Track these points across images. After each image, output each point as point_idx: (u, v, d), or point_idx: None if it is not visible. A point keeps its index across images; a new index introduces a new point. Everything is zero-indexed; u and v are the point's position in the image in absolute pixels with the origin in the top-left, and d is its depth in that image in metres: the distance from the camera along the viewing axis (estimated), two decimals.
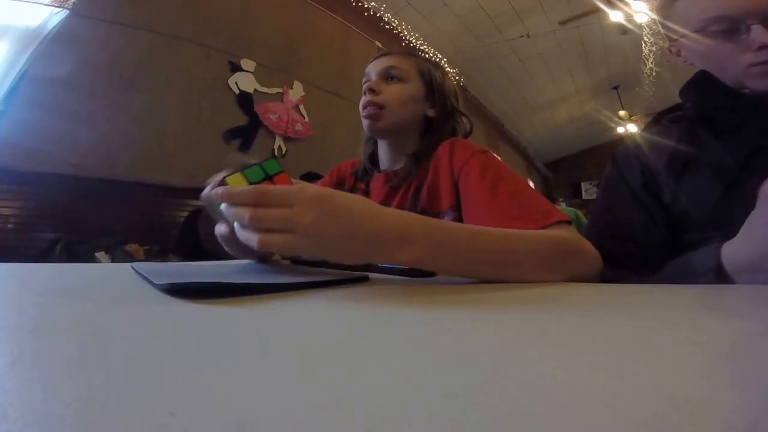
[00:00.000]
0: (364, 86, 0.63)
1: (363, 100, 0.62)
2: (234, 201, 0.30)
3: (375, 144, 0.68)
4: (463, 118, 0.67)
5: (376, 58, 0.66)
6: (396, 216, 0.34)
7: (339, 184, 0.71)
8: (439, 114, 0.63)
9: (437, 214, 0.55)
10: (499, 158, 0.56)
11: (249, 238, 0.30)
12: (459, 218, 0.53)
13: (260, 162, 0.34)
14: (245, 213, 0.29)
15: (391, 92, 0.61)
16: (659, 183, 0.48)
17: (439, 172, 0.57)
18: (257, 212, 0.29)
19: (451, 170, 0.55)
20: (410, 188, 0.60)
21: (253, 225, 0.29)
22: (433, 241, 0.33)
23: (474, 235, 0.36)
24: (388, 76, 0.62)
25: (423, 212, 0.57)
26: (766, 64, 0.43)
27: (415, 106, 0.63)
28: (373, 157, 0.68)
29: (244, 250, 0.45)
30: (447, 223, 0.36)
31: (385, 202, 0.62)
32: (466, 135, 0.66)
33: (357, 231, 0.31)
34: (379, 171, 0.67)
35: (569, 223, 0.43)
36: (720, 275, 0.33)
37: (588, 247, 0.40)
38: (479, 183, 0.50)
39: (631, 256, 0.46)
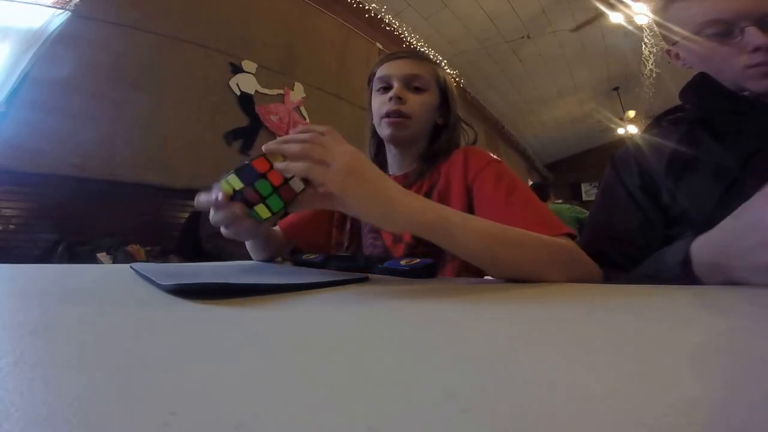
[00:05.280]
0: (385, 94, 0.61)
1: (386, 107, 0.60)
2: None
3: (380, 146, 0.68)
4: (465, 126, 0.67)
5: (392, 58, 0.63)
6: (414, 193, 0.38)
7: None
8: (447, 121, 0.64)
9: None
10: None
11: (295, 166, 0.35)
12: None
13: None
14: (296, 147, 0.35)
15: (417, 102, 0.61)
16: (657, 185, 0.48)
17: (451, 178, 0.58)
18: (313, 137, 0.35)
19: (465, 177, 0.56)
20: (420, 192, 0.60)
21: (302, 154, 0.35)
22: (451, 214, 0.37)
23: (492, 223, 0.39)
24: (411, 84, 0.61)
25: None
26: (762, 65, 0.43)
27: (432, 115, 0.63)
28: (379, 159, 0.69)
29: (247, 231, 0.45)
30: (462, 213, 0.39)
31: None
32: (473, 144, 0.67)
33: (382, 181, 0.36)
34: (388, 174, 0.67)
35: (574, 237, 0.46)
36: (686, 270, 0.34)
37: (588, 259, 0.42)
38: (495, 189, 0.52)
39: (626, 257, 0.46)
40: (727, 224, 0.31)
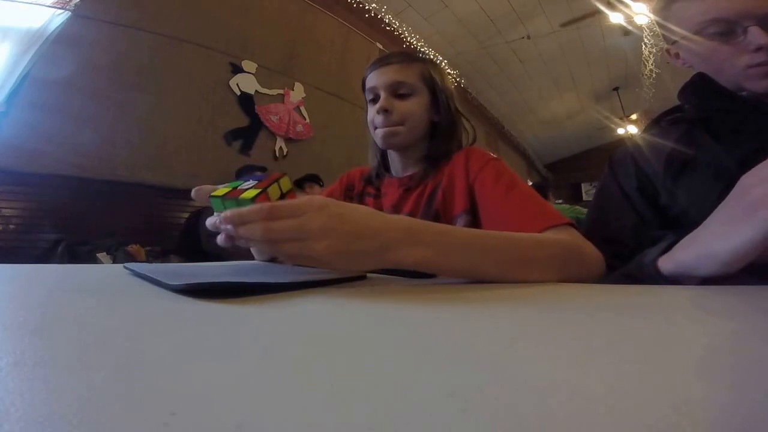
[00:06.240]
0: (375, 105, 0.61)
1: (376, 119, 0.61)
2: (244, 221, 0.31)
3: (383, 150, 0.69)
4: (465, 122, 0.67)
5: (378, 66, 0.63)
6: (399, 219, 0.35)
7: (348, 190, 0.71)
8: (443, 118, 0.64)
9: (451, 218, 0.57)
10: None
11: (262, 251, 0.31)
12: (471, 221, 0.55)
13: (277, 179, 0.36)
14: (257, 228, 0.30)
15: (405, 109, 0.61)
16: (655, 185, 0.48)
17: (454, 178, 0.59)
18: (268, 225, 0.30)
19: (467, 175, 0.57)
20: (424, 192, 0.61)
21: (265, 238, 0.31)
22: (437, 241, 0.34)
23: (478, 237, 0.37)
24: (397, 92, 0.61)
25: (437, 214, 0.58)
26: (763, 65, 0.43)
27: (425, 116, 0.63)
28: (383, 162, 0.69)
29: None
30: (450, 226, 0.37)
31: (399, 204, 0.63)
32: (472, 142, 0.67)
33: (365, 231, 0.32)
34: (391, 176, 0.68)
35: (574, 226, 0.45)
36: (656, 268, 0.34)
37: (591, 249, 0.42)
38: (495, 185, 0.53)
39: (619, 257, 0.46)
40: (701, 226, 0.32)
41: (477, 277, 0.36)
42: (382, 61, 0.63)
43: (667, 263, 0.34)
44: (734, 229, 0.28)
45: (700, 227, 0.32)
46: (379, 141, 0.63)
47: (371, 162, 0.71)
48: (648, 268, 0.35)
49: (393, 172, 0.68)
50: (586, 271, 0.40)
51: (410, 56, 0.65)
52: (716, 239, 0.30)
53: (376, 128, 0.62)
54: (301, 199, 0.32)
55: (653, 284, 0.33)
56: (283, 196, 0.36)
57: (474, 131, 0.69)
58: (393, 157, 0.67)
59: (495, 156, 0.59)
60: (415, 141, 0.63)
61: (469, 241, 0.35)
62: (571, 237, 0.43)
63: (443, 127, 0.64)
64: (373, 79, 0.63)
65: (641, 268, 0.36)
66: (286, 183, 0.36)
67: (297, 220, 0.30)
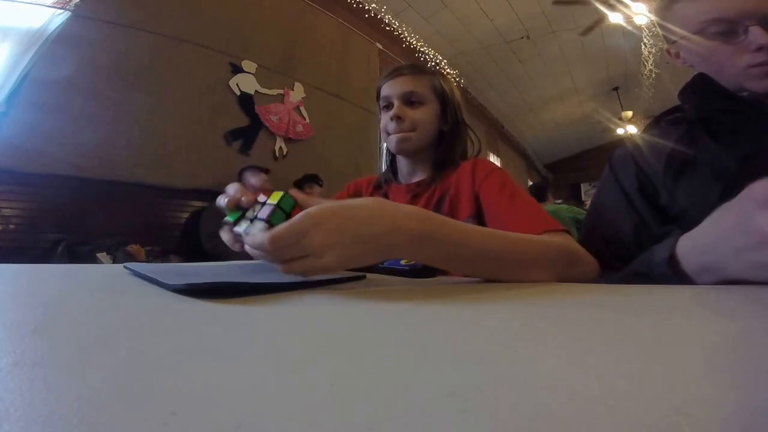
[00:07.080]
0: (388, 112, 0.66)
1: (389, 126, 0.66)
2: (254, 248, 0.33)
3: (393, 156, 0.73)
4: (471, 134, 0.72)
5: (392, 77, 0.68)
6: (406, 220, 0.33)
7: (357, 196, 0.74)
8: (451, 127, 0.68)
9: None
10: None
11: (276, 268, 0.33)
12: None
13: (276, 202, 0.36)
14: (266, 256, 0.32)
15: (416, 117, 0.66)
16: (655, 186, 0.48)
17: (460, 186, 0.63)
18: (274, 252, 0.32)
19: (473, 183, 0.61)
20: (432, 199, 0.65)
21: (275, 262, 0.32)
22: (449, 240, 0.35)
23: (487, 237, 0.38)
24: (409, 100, 0.66)
25: None
26: (764, 65, 0.43)
27: (434, 124, 0.68)
28: (393, 169, 0.74)
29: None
30: (454, 224, 0.37)
31: None
32: (477, 153, 0.73)
33: (366, 238, 0.32)
34: (399, 183, 0.72)
35: (569, 233, 0.49)
36: (673, 268, 0.34)
37: (584, 252, 0.44)
38: (500, 192, 0.57)
39: (619, 257, 0.46)
40: (712, 225, 0.31)
41: (477, 275, 0.37)
42: (396, 72, 0.68)
43: (698, 277, 0.33)
44: (749, 267, 0.28)
45: (711, 240, 0.31)
46: (391, 146, 0.68)
47: (383, 166, 0.75)
48: (659, 267, 0.35)
49: (401, 178, 0.72)
50: (580, 273, 0.42)
51: (422, 68, 0.70)
52: (730, 265, 0.29)
53: (389, 134, 0.67)
54: (297, 217, 0.31)
55: (663, 283, 0.33)
56: (288, 216, 0.35)
57: (479, 143, 0.74)
58: (402, 164, 0.71)
59: (499, 166, 0.63)
60: (425, 147, 0.67)
61: (471, 242, 0.36)
62: (567, 241, 0.45)
63: (449, 135, 0.68)
64: (387, 89, 0.68)
65: (651, 267, 0.36)
66: (287, 202, 0.36)
67: (298, 244, 0.31)
